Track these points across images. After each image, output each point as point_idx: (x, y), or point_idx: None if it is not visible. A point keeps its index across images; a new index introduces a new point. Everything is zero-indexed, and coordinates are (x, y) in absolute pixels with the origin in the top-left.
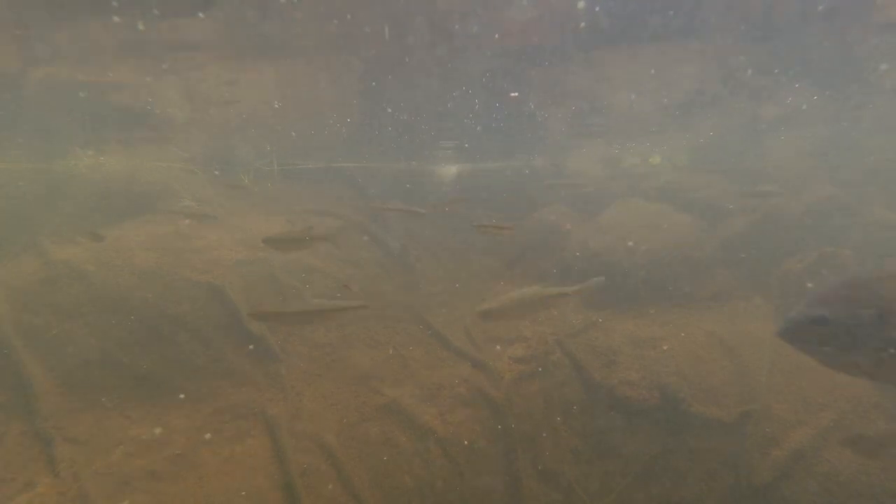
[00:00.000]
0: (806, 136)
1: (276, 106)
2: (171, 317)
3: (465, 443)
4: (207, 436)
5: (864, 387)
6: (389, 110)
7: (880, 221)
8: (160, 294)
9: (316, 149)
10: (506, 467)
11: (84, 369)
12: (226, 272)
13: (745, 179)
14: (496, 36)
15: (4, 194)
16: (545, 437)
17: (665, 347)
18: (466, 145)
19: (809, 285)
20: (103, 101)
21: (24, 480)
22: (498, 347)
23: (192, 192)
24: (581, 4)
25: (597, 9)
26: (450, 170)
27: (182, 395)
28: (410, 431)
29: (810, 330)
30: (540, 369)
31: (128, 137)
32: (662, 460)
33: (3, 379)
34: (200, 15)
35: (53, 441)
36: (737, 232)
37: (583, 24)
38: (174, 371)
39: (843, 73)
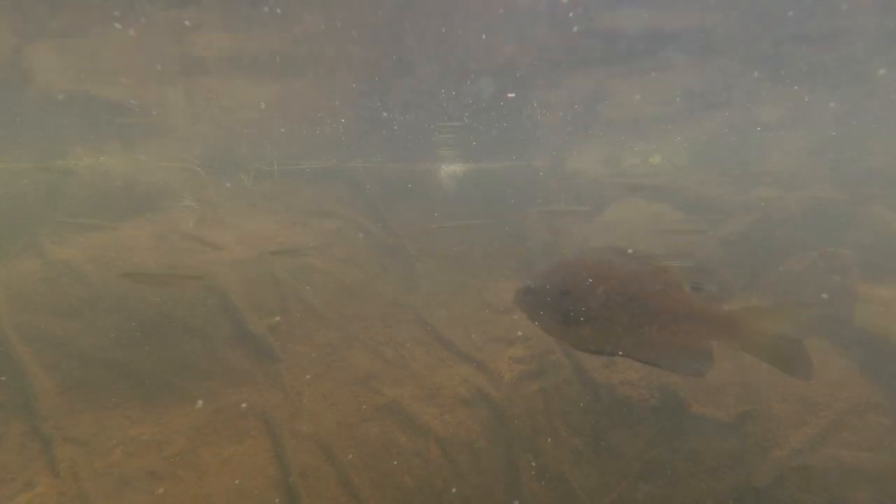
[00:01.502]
0: (806, 137)
1: (262, 107)
2: (170, 317)
3: (465, 443)
4: (208, 435)
5: (864, 387)
6: (385, 114)
7: (880, 221)
8: (160, 294)
9: (316, 149)
10: (506, 467)
11: (84, 369)
12: (226, 272)
13: (745, 179)
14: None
15: (5, 194)
16: (545, 436)
17: None
18: (475, 143)
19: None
20: (100, 100)
21: (24, 480)
22: (498, 347)
23: (193, 192)
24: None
25: (573, 29)
26: (451, 170)
27: (182, 395)
28: (410, 431)
29: (524, 298)
30: (540, 369)
31: (128, 137)
32: (662, 460)
33: (3, 379)
34: (187, 23)
35: (53, 441)
36: (736, 232)
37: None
38: (174, 371)
39: (843, 76)
